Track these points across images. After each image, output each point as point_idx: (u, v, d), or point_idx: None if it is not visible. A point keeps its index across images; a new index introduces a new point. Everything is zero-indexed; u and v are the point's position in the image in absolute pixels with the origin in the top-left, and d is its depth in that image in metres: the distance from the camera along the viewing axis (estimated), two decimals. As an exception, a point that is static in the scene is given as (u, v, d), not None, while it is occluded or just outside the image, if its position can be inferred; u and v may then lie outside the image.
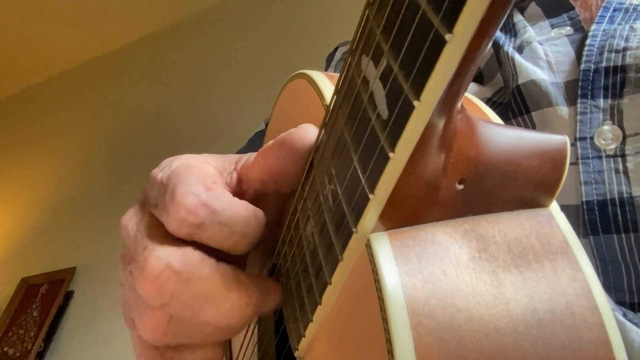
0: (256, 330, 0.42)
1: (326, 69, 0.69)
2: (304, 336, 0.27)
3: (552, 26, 0.45)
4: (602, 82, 0.37)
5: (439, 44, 0.16)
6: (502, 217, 0.24)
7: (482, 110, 0.27)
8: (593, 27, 0.41)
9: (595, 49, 0.39)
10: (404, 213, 0.22)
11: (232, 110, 1.84)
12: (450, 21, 0.15)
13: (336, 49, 0.70)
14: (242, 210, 0.27)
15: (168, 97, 2.13)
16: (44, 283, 1.92)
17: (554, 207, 0.25)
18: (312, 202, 0.26)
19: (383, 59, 0.19)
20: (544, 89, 0.39)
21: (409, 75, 0.17)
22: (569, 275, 0.23)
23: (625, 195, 0.34)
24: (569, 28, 0.44)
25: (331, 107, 0.25)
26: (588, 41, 0.40)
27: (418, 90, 0.17)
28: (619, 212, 0.34)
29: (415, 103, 0.17)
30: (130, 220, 0.29)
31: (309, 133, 0.27)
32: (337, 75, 0.33)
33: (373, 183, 0.20)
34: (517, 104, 0.39)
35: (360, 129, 0.21)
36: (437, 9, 0.15)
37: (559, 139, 0.25)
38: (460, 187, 0.22)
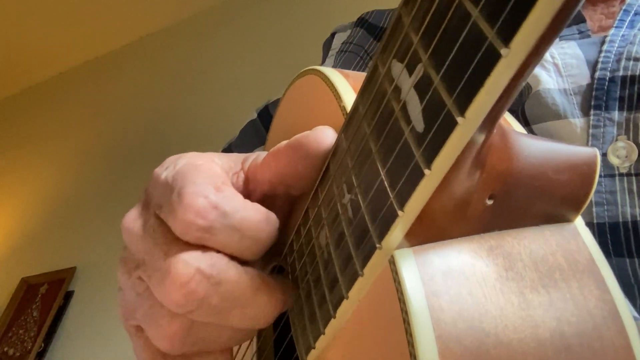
0: (255, 338, 0.40)
1: (324, 57, 0.67)
2: (314, 348, 0.26)
3: (560, 38, 0.42)
4: (618, 92, 0.35)
5: (493, 59, 0.14)
6: (527, 232, 0.23)
7: (505, 118, 0.26)
8: (611, 31, 0.38)
9: (613, 56, 0.36)
10: (431, 229, 0.21)
11: (232, 110, 1.82)
12: (507, 35, 0.14)
13: (333, 35, 0.67)
14: (254, 213, 0.25)
15: (168, 97, 2.11)
16: (44, 283, 1.90)
17: (579, 222, 0.24)
18: (328, 211, 0.25)
19: (420, 67, 0.18)
20: (549, 100, 0.36)
21: (454, 89, 0.16)
22: (596, 296, 0.22)
23: (638, 218, 0.32)
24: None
25: (352, 111, 0.23)
26: (605, 47, 0.37)
27: (463, 106, 0.15)
28: (631, 236, 0.31)
29: (459, 119, 0.15)
30: (135, 222, 0.28)
31: (326, 137, 0.26)
32: (351, 73, 0.32)
33: (403, 199, 0.18)
34: (521, 113, 0.37)
35: (389, 140, 0.19)
36: (493, 20, 0.14)
37: (589, 152, 0.24)
38: (490, 202, 0.21)
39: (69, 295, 1.83)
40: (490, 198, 0.21)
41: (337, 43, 0.63)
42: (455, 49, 0.16)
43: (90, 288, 1.82)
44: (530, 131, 0.37)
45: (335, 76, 0.30)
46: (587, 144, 0.35)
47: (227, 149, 0.63)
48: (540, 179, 0.22)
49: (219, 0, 2.18)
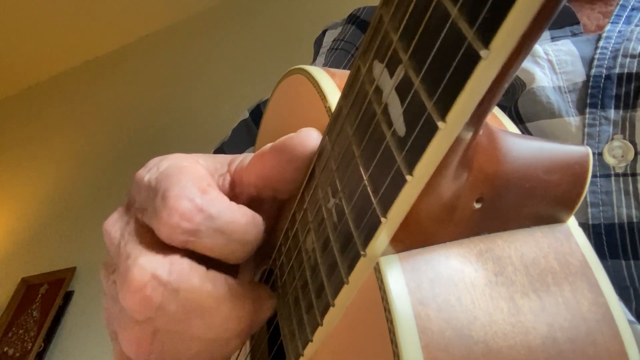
0: (248, 341, 0.40)
1: (315, 55, 0.66)
2: (303, 355, 0.26)
3: (553, 39, 0.41)
4: (614, 90, 0.34)
5: (472, 60, 0.14)
6: (518, 235, 0.22)
7: (497, 116, 0.26)
8: (607, 27, 0.37)
9: (609, 52, 0.35)
10: (417, 234, 0.20)
11: (232, 110, 1.81)
12: (487, 35, 0.13)
13: (324, 32, 0.66)
14: (240, 216, 0.25)
15: (168, 97, 2.10)
16: (44, 283, 1.90)
17: (572, 222, 0.24)
18: (314, 215, 0.24)
19: (400, 68, 0.17)
20: (543, 98, 0.35)
21: (434, 92, 0.15)
22: (589, 299, 0.21)
23: (635, 219, 0.31)
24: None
25: (336, 113, 0.23)
26: (601, 43, 0.36)
27: (444, 110, 0.15)
28: (627, 237, 0.31)
29: (440, 124, 0.15)
30: (114, 225, 0.27)
31: (311, 139, 0.25)
32: (338, 71, 0.31)
33: (386, 206, 0.18)
34: (514, 110, 0.36)
35: (371, 143, 0.19)
36: (472, 20, 0.13)
37: (581, 151, 0.23)
38: (478, 206, 0.21)
39: (69, 295, 1.83)
40: (478, 201, 0.20)
41: (328, 40, 0.62)
42: (435, 49, 0.15)
43: (90, 288, 1.81)
44: (524, 129, 0.36)
45: (321, 75, 0.29)
46: (582, 143, 0.34)
47: (220, 149, 0.62)
48: (531, 179, 0.21)
49: (219, 0, 2.17)
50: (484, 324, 0.19)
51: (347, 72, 0.33)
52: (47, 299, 1.85)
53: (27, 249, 2.08)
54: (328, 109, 0.26)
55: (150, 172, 0.27)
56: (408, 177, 0.16)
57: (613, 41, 0.35)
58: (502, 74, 0.14)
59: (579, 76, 0.35)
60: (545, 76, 0.36)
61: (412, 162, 0.16)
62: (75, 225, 2.00)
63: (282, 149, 0.25)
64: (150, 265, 0.23)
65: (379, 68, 0.19)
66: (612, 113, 0.33)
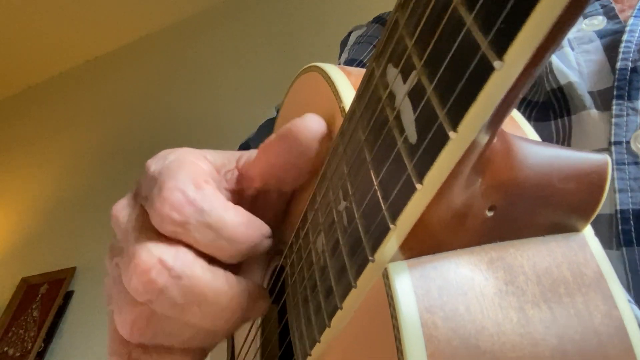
0: (259, 335, 0.40)
1: (340, 55, 0.66)
2: (310, 355, 0.26)
3: (584, 16, 0.42)
4: None
5: (486, 71, 0.13)
6: (531, 243, 0.22)
7: (516, 121, 0.25)
8: (631, 21, 0.38)
9: (634, 46, 0.36)
10: (427, 241, 0.20)
11: (232, 110, 1.82)
12: (501, 46, 0.13)
13: (349, 33, 0.67)
14: (233, 215, 0.25)
15: (168, 97, 2.10)
16: (44, 283, 1.89)
17: (588, 231, 0.23)
18: (324, 216, 0.24)
19: (414, 74, 0.17)
20: (579, 92, 0.36)
21: (446, 101, 0.15)
22: (602, 312, 0.21)
23: None
24: (601, 18, 0.41)
25: (349, 115, 0.23)
26: (625, 37, 0.37)
27: (455, 120, 0.14)
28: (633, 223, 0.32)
29: (451, 134, 0.15)
30: (122, 210, 0.28)
31: (314, 123, 0.25)
32: (354, 70, 0.31)
33: (395, 213, 0.18)
34: (559, 105, 0.37)
35: (383, 149, 0.18)
36: (486, 29, 0.13)
37: (599, 159, 0.22)
38: (490, 214, 0.20)
39: (69, 295, 1.83)
40: (490, 209, 0.20)
41: (352, 39, 0.63)
42: (449, 57, 0.15)
43: (90, 288, 1.81)
44: (569, 121, 0.37)
45: (336, 74, 0.29)
46: (610, 133, 0.34)
47: (245, 145, 0.63)
48: (546, 188, 0.21)
49: (219, 0, 2.16)
50: (492, 334, 0.19)
51: (363, 71, 0.33)
52: (47, 299, 1.84)
53: (27, 249, 2.08)
54: (342, 109, 0.26)
55: (157, 163, 0.27)
56: (418, 186, 0.16)
57: (637, 34, 0.37)
58: (517, 85, 0.14)
59: (607, 82, 0.36)
60: (577, 80, 0.37)
61: (422, 171, 0.16)
62: (75, 225, 2.00)
63: (285, 135, 0.26)
64: (157, 251, 0.24)
65: (393, 72, 0.18)
66: (639, 104, 0.34)
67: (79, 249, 1.91)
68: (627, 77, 0.35)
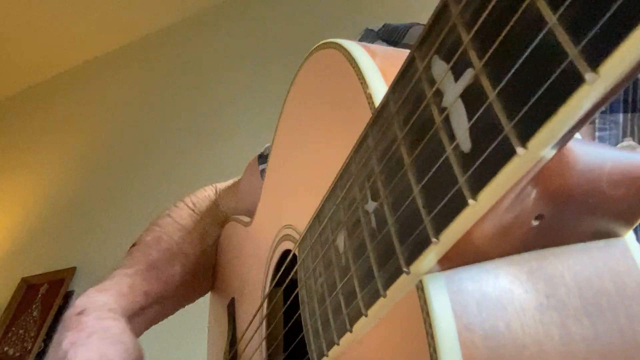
0: (264, 326, 0.39)
1: None
2: (327, 356, 0.24)
3: None
4: (622, 95, 0.34)
5: (573, 83, 0.11)
6: (572, 251, 0.20)
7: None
8: None
9: None
10: (467, 252, 0.18)
11: (232, 110, 1.79)
12: (598, 56, 0.11)
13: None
14: None
15: (168, 97, 2.07)
16: (44, 283, 1.87)
17: (629, 237, 0.22)
18: (348, 214, 0.22)
19: (470, 73, 0.14)
20: None
21: (515, 112, 0.13)
22: (646, 327, 0.20)
23: None
24: None
25: (382, 106, 0.20)
26: None
27: (526, 134, 0.12)
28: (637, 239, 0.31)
29: (519, 150, 0.13)
30: None
31: None
32: (379, 49, 0.28)
33: (440, 227, 0.16)
34: None
35: (426, 152, 0.16)
36: (577, 34, 0.11)
37: (650, 162, 0.21)
38: (536, 223, 0.18)
39: (69, 295, 1.80)
40: (537, 219, 0.18)
41: None
42: (521, 61, 0.12)
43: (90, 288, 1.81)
44: None
45: (360, 53, 0.26)
46: None
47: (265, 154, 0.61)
48: (595, 195, 0.19)
49: (219, 0, 2.10)
50: (532, 354, 0.18)
51: (389, 51, 0.30)
52: (47, 299, 1.82)
53: (27, 249, 2.06)
54: (368, 96, 0.24)
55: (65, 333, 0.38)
56: (471, 202, 0.14)
57: None
58: (605, 98, 0.12)
59: None
60: None
61: (477, 186, 0.14)
62: (75, 225, 1.98)
63: None
64: None
65: (440, 67, 0.16)
66: (620, 117, 0.35)
67: (79, 249, 1.89)
68: None
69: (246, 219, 0.49)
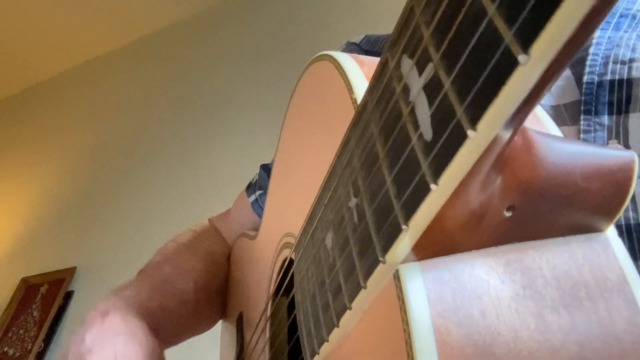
0: (268, 327, 0.40)
1: None
2: (318, 354, 0.25)
3: None
4: (607, 97, 0.34)
5: (509, 65, 0.12)
6: (551, 244, 0.21)
7: (538, 116, 0.24)
8: (597, 33, 0.36)
9: (600, 59, 0.35)
10: (441, 242, 0.19)
11: (232, 110, 1.80)
12: (527, 38, 0.12)
13: None
14: None
15: (167, 97, 2.08)
16: (44, 283, 1.88)
17: (611, 232, 0.22)
18: (334, 212, 0.23)
19: (430, 67, 0.15)
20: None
21: (465, 97, 0.14)
22: (625, 318, 0.20)
23: (632, 222, 0.31)
24: None
25: (361, 107, 0.22)
26: (592, 49, 0.36)
27: (475, 117, 0.13)
28: (626, 240, 0.30)
29: (470, 133, 0.13)
30: None
31: None
32: (367, 59, 0.30)
33: (409, 213, 0.17)
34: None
35: (396, 145, 0.17)
36: (511, 20, 0.12)
37: (625, 157, 0.21)
38: (509, 214, 0.19)
39: (69, 295, 1.81)
40: (508, 209, 0.19)
41: None
42: (469, 49, 0.13)
43: (90, 288, 1.79)
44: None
45: (348, 63, 0.28)
46: None
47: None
48: (568, 187, 0.20)
49: (219, 0, 2.15)
50: (507, 341, 0.18)
51: (377, 61, 0.32)
52: (47, 299, 1.83)
53: (27, 249, 2.07)
54: (354, 100, 0.25)
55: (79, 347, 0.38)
56: (433, 186, 0.15)
57: (603, 47, 0.35)
58: (543, 80, 0.13)
59: (573, 96, 0.36)
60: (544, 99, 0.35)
61: (437, 170, 0.15)
62: (75, 225, 1.99)
63: None
64: None
65: (407, 64, 0.17)
66: (605, 119, 0.34)
67: (79, 249, 1.90)
68: (594, 92, 0.34)
69: (253, 233, 0.50)
